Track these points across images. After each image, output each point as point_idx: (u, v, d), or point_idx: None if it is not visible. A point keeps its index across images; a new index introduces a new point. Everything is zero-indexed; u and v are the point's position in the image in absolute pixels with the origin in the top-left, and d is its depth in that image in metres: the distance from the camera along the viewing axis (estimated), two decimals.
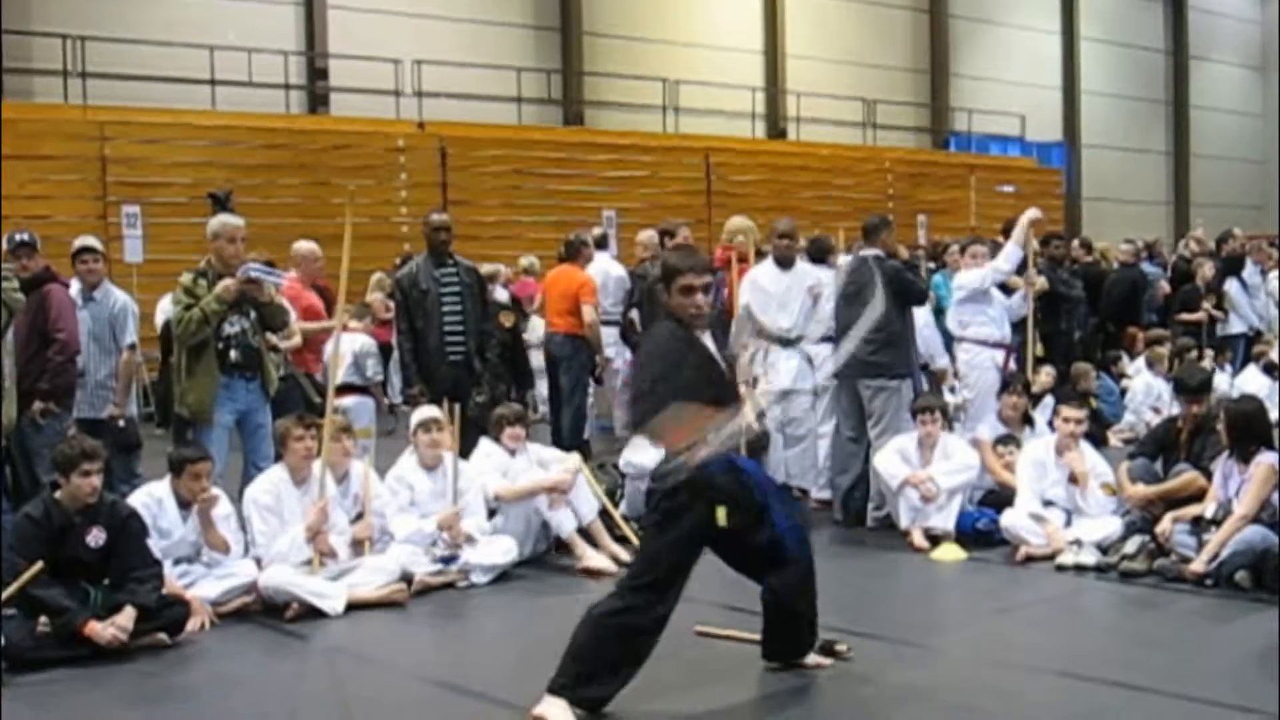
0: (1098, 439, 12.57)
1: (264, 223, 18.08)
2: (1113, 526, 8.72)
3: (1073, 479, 9.13)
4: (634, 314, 12.44)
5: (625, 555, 8.62)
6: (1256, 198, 41.52)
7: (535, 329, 14.77)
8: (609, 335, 12.98)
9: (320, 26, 24.61)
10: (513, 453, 9.20)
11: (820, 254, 11.58)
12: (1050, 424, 9.99)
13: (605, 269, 13.63)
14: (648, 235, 13.39)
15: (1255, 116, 43.74)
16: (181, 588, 7.52)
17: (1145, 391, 14.52)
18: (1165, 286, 17.77)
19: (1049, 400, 11.75)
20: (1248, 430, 8.19)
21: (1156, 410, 13.78)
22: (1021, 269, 11.50)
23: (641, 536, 5.96)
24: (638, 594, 5.78)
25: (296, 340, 10.25)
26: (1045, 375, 12.65)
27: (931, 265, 16.49)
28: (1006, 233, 11.79)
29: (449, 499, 8.58)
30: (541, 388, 13.60)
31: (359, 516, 8.46)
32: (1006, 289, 11.70)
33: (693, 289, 5.87)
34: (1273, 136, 42.05)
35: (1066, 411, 9.37)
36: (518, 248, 20.79)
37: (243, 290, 8.82)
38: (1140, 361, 15.48)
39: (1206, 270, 16.92)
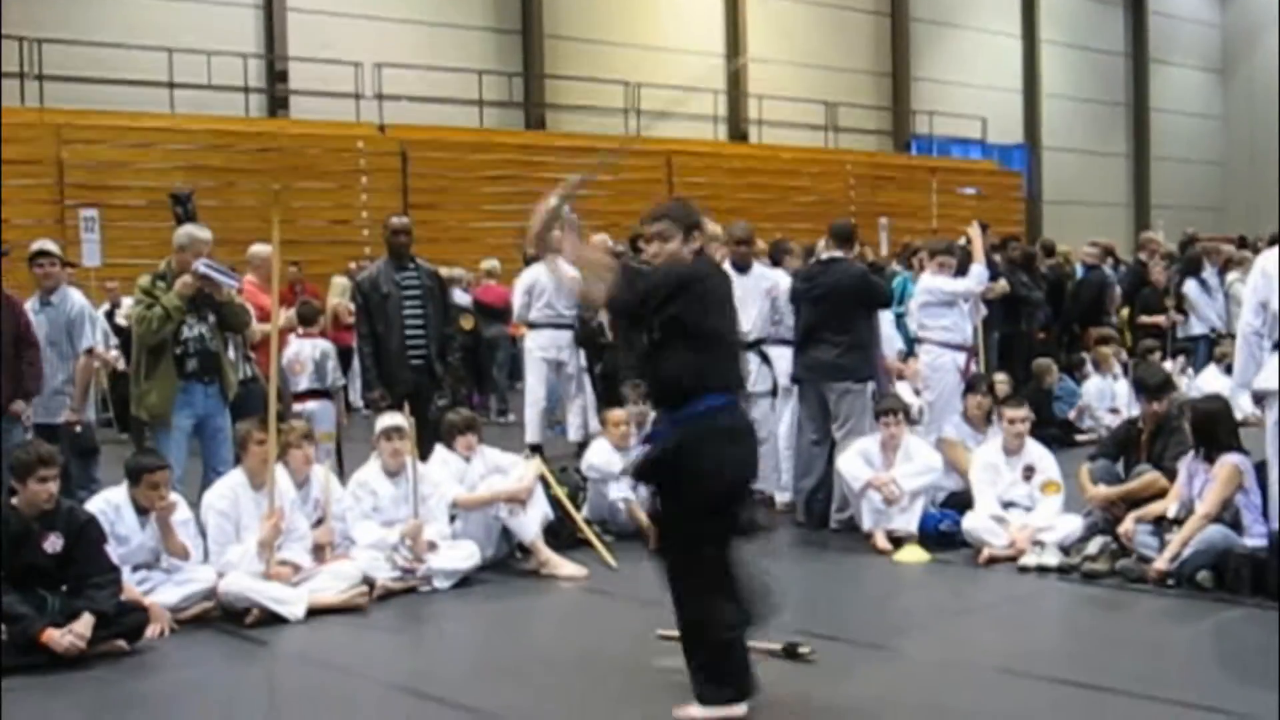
0: (1061, 441, 12.61)
1: (224, 225, 17.97)
2: (1074, 526, 8.73)
3: (1026, 474, 9.15)
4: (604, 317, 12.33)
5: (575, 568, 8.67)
6: (1216, 200, 41.87)
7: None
8: (563, 338, 12.88)
9: (280, 29, 24.53)
10: (468, 459, 9.17)
11: (779, 257, 11.60)
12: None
13: (563, 270, 13.54)
14: (601, 239, 13.36)
15: (1215, 119, 44.15)
16: (140, 594, 7.44)
17: (1098, 395, 14.53)
18: (1117, 290, 17.90)
19: None
20: (1213, 429, 8.20)
21: (1114, 411, 13.78)
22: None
23: None
24: None
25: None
26: (998, 381, 12.56)
27: (896, 268, 16.50)
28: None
29: (411, 505, 8.54)
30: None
31: (319, 521, 8.40)
32: None
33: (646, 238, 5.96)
34: (1232, 139, 42.47)
35: (1010, 412, 9.38)
36: (479, 251, 20.72)
37: (199, 285, 8.78)
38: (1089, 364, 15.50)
39: (1158, 272, 16.92)
